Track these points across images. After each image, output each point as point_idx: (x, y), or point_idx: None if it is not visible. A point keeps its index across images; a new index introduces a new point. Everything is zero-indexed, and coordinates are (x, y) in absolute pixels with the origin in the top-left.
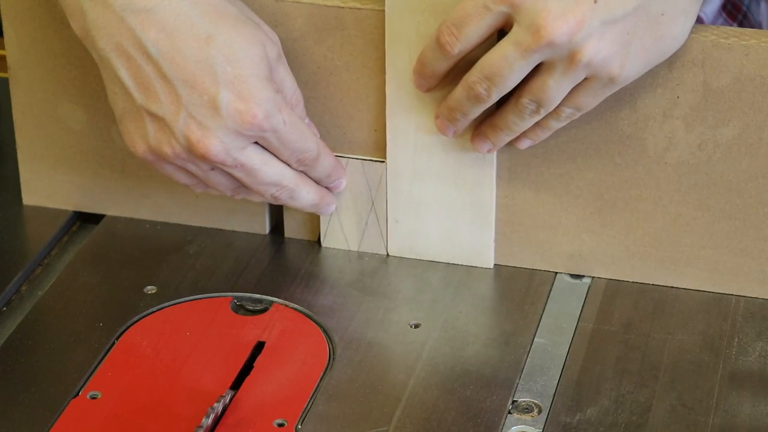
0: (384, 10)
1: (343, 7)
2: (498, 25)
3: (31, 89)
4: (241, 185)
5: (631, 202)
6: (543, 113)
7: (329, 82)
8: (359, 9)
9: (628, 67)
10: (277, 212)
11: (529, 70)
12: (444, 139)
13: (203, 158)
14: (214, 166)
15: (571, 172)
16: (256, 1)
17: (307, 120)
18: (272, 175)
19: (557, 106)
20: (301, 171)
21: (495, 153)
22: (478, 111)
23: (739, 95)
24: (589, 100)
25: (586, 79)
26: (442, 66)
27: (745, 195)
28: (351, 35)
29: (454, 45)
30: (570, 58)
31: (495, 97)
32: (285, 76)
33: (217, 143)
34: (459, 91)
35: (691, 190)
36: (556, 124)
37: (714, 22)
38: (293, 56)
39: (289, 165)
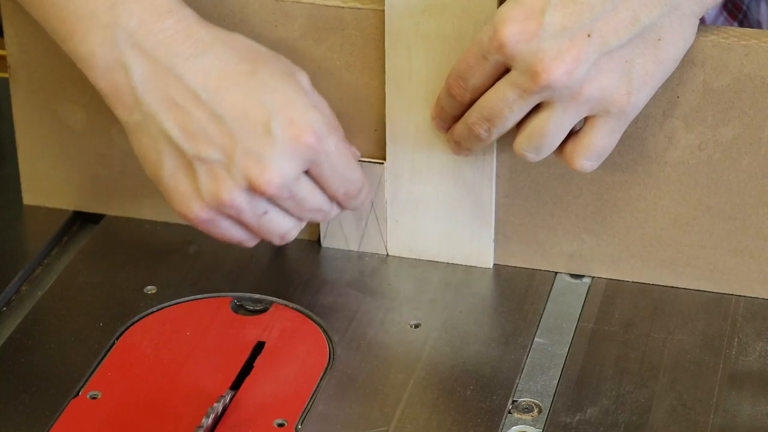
0: (384, 10)
1: (343, 7)
2: (499, 70)
3: (31, 89)
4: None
5: (631, 202)
6: (542, 157)
7: (329, 82)
8: (359, 9)
9: (635, 94)
10: None
11: (528, 110)
12: (444, 138)
13: (263, 192)
14: (271, 201)
15: (571, 172)
16: (256, 0)
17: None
18: (317, 201)
19: (582, 161)
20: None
21: (495, 153)
22: (482, 146)
23: (739, 95)
24: (607, 141)
25: (597, 117)
26: (459, 110)
27: (745, 195)
28: (351, 35)
29: (465, 95)
30: (571, 96)
31: (496, 137)
32: (320, 101)
33: (276, 175)
34: (461, 128)
35: (691, 190)
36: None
37: (715, 21)
38: (293, 56)
39: (336, 198)
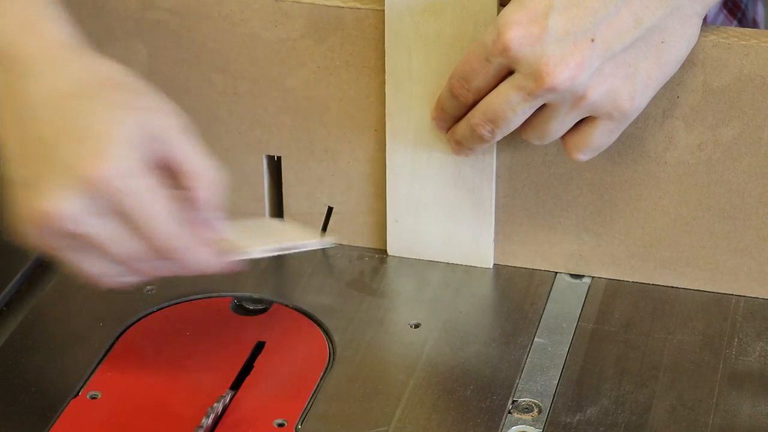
0: (384, 10)
1: (343, 7)
2: (502, 72)
3: None
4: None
5: (631, 202)
6: (546, 143)
7: (329, 82)
8: (359, 9)
9: (638, 98)
10: (277, 212)
11: (532, 112)
12: (444, 139)
13: (43, 225)
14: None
15: (571, 172)
16: (256, 1)
17: None
18: (122, 247)
19: (578, 155)
20: None
21: (495, 153)
22: (484, 147)
23: (739, 95)
24: (605, 140)
25: (599, 119)
26: (461, 111)
27: (745, 195)
28: (351, 35)
29: (468, 96)
30: (574, 101)
31: (499, 137)
32: (164, 142)
33: (52, 207)
34: (464, 128)
35: (691, 190)
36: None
37: (714, 19)
38: (293, 56)
39: (152, 251)
